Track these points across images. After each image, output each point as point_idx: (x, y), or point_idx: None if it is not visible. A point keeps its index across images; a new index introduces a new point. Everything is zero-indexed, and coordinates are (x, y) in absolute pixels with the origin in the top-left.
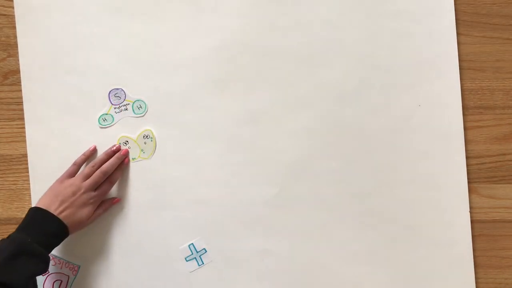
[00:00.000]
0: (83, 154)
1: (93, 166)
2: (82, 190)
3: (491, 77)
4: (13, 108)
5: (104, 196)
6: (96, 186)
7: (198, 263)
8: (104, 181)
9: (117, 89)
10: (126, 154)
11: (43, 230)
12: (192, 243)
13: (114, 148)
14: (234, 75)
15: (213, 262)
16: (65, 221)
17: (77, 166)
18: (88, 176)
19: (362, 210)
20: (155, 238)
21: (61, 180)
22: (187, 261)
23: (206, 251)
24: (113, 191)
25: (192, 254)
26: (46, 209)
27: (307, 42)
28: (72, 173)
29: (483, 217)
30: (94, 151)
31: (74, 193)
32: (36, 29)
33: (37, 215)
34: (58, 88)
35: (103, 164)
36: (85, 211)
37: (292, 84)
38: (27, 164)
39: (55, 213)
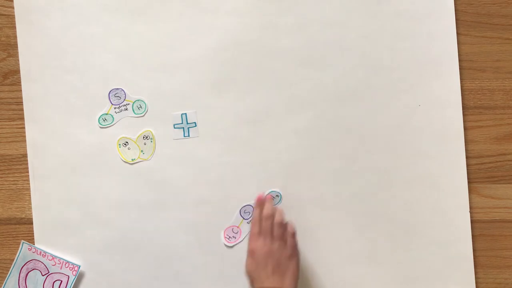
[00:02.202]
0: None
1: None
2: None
3: (491, 77)
4: (13, 108)
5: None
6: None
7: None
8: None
9: (117, 89)
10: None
11: None
12: None
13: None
14: (234, 75)
15: (213, 262)
16: None
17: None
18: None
19: (362, 210)
20: (155, 238)
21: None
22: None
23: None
24: (113, 191)
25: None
26: None
27: (307, 42)
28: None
29: (483, 217)
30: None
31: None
32: (36, 29)
33: None
34: (58, 88)
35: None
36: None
37: (292, 84)
38: (27, 164)
39: None
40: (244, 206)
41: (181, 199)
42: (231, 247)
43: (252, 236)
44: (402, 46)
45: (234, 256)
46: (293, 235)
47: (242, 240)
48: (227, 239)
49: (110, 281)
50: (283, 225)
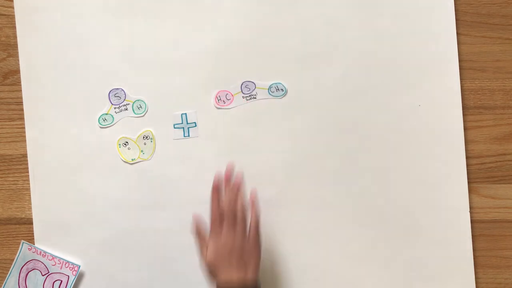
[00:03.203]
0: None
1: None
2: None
3: (491, 77)
4: (13, 108)
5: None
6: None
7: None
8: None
9: (117, 89)
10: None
11: None
12: None
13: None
14: (234, 75)
15: None
16: None
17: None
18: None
19: (362, 210)
20: (155, 238)
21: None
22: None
23: None
24: (113, 191)
25: None
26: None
27: (307, 42)
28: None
29: (483, 217)
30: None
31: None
32: (36, 29)
33: None
34: (58, 88)
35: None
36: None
37: (292, 84)
38: (27, 164)
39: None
40: None
41: (181, 199)
42: None
43: (213, 226)
44: (402, 46)
45: None
46: (256, 224)
47: None
48: None
49: (110, 281)
50: (245, 210)
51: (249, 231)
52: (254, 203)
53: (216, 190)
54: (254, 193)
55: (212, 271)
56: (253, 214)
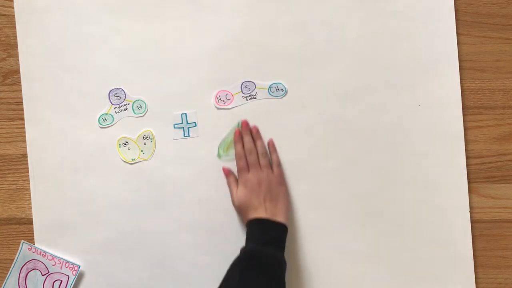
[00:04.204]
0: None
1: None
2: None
3: (491, 77)
4: (13, 108)
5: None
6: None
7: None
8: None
9: (117, 89)
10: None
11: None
12: None
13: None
14: (234, 75)
15: (213, 262)
16: None
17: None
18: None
19: (362, 210)
20: (155, 238)
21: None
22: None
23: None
24: (113, 191)
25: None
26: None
27: (307, 42)
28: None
29: (483, 217)
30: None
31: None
32: (36, 29)
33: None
34: (58, 88)
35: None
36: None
37: (292, 84)
38: (27, 164)
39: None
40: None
41: (181, 199)
42: None
43: (240, 171)
44: (402, 46)
45: (234, 256)
46: (279, 163)
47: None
48: None
49: (110, 281)
50: (267, 155)
51: (274, 170)
52: (272, 146)
53: (238, 139)
54: (272, 140)
55: (243, 209)
56: (273, 154)
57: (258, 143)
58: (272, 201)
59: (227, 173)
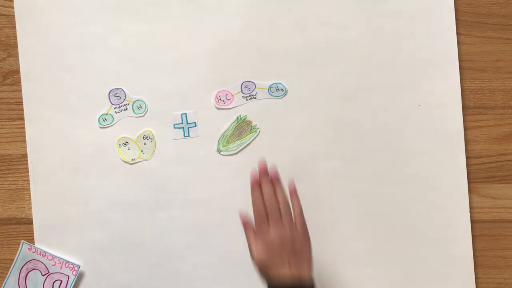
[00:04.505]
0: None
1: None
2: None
3: (491, 77)
4: (13, 108)
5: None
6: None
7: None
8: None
9: (117, 89)
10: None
11: None
12: None
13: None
14: (234, 75)
15: (213, 262)
16: None
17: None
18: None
19: (362, 210)
20: (155, 238)
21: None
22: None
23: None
24: (113, 191)
25: None
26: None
27: (307, 42)
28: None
29: (483, 217)
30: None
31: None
32: (36, 29)
33: None
34: (58, 88)
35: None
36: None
37: (292, 84)
38: (27, 164)
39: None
40: None
41: (181, 199)
42: None
43: (259, 224)
44: (402, 46)
45: (234, 256)
46: (301, 213)
47: None
48: None
49: (110, 281)
50: (287, 202)
51: (295, 221)
52: (294, 193)
53: (255, 187)
54: (293, 184)
55: (263, 268)
56: (295, 204)
57: (280, 196)
58: (296, 259)
59: (245, 224)
